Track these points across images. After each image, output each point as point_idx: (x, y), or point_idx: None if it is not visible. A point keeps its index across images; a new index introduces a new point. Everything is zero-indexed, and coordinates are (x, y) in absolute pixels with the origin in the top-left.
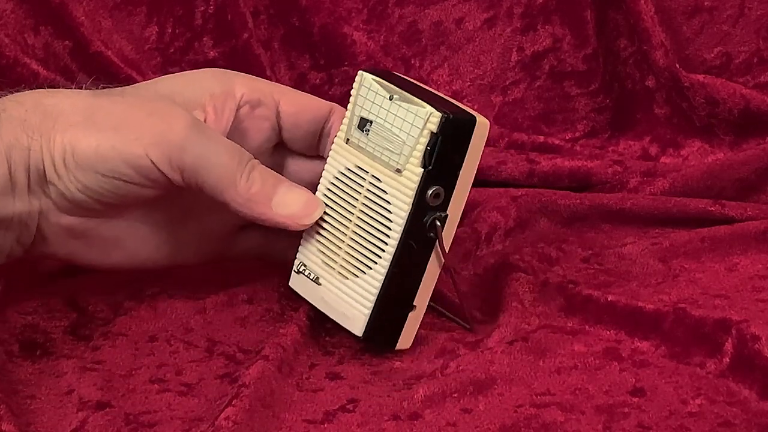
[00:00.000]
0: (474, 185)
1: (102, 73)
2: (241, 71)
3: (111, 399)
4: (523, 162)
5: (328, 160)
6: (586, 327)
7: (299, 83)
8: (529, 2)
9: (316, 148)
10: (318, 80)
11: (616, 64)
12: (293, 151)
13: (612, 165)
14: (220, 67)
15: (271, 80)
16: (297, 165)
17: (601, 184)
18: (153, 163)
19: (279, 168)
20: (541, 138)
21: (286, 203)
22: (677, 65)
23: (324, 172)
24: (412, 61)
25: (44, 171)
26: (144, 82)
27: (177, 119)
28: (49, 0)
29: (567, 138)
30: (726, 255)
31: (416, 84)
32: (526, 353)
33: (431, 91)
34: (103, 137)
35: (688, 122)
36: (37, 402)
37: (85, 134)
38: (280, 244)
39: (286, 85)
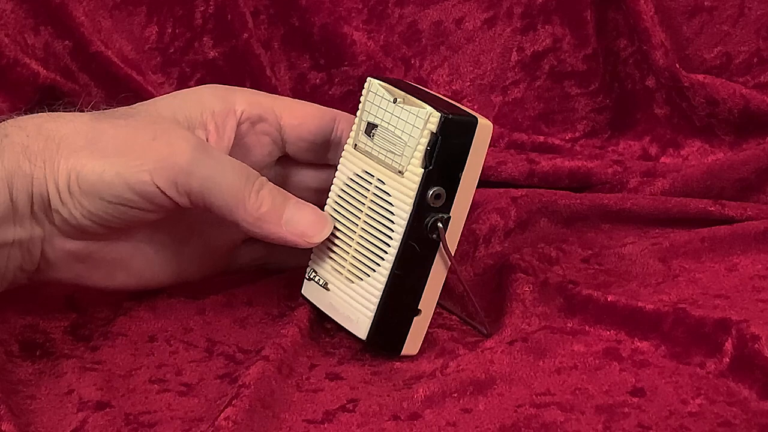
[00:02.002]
0: None
1: (102, 73)
2: (241, 71)
3: (111, 399)
4: (523, 162)
5: (338, 167)
6: (586, 327)
7: (299, 83)
8: (529, 2)
9: (322, 157)
10: (318, 80)
11: (616, 64)
12: (298, 162)
13: (612, 165)
14: (219, 68)
15: (270, 80)
16: (303, 175)
17: (601, 184)
18: (159, 188)
19: (284, 179)
20: (541, 138)
21: (296, 221)
22: (677, 65)
23: (335, 179)
24: (412, 61)
25: (48, 198)
26: (144, 102)
27: (181, 142)
28: (49, 0)
29: (567, 138)
30: (726, 255)
31: (425, 90)
32: (526, 353)
33: (439, 97)
34: (108, 163)
35: (688, 122)
36: (37, 402)
37: (89, 160)
38: (282, 255)
39: (286, 85)
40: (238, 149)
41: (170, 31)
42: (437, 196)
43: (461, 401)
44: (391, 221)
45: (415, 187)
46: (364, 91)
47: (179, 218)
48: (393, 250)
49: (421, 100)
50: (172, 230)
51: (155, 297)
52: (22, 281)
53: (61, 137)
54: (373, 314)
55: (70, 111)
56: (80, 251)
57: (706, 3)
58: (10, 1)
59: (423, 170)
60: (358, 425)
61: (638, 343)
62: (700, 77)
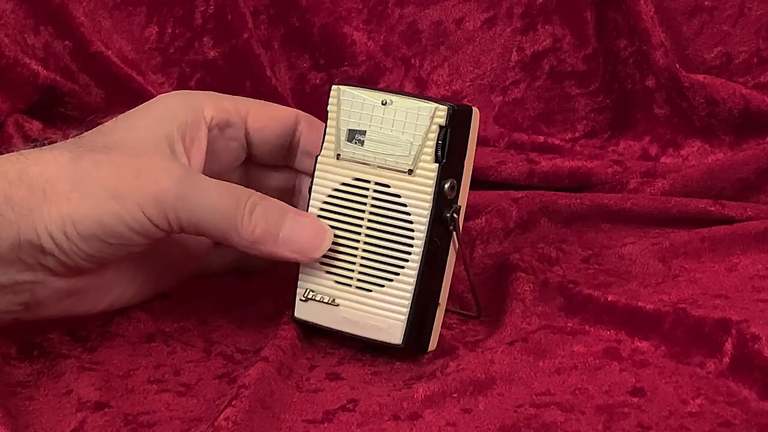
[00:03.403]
0: (474, 187)
1: (102, 73)
2: (241, 71)
3: (109, 399)
4: (523, 162)
5: (314, 180)
6: (586, 327)
7: (299, 83)
8: (529, 2)
9: (284, 158)
10: (318, 80)
11: (616, 64)
12: (260, 164)
13: (612, 165)
14: (219, 68)
15: (270, 80)
16: (265, 177)
17: (601, 184)
18: (154, 224)
19: (248, 181)
20: (541, 138)
21: (294, 239)
22: (677, 65)
23: (312, 193)
24: (412, 61)
25: (41, 244)
26: (119, 124)
27: (165, 177)
28: (49, 0)
29: (567, 138)
30: (726, 255)
31: (392, 89)
32: (526, 353)
33: (410, 93)
34: (102, 207)
35: (688, 122)
36: (35, 403)
37: (82, 205)
38: (258, 257)
39: (286, 85)
40: (208, 156)
41: (170, 31)
42: (452, 188)
43: (461, 401)
44: (409, 221)
45: (432, 183)
46: (332, 100)
47: None
48: (418, 250)
49: (407, 97)
50: (151, 247)
51: (152, 297)
52: (6, 321)
53: (46, 182)
54: (407, 317)
55: (49, 138)
56: (70, 288)
57: (706, 3)
58: (10, 1)
59: (437, 165)
60: (358, 425)
61: (638, 343)
62: (700, 77)
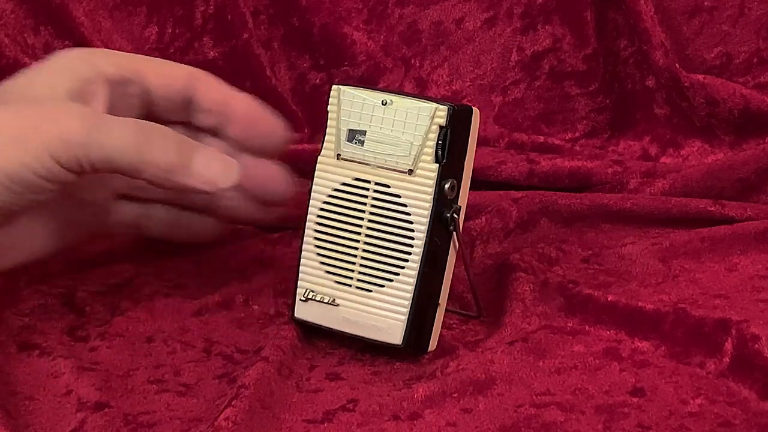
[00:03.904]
0: (474, 187)
1: None
2: (241, 71)
3: (109, 399)
4: (523, 162)
5: (314, 180)
6: (586, 327)
7: (299, 83)
8: (529, 2)
9: (183, 115)
10: (318, 80)
11: (616, 64)
12: (166, 121)
13: (612, 165)
14: (220, 68)
15: (270, 80)
16: None
17: (601, 184)
18: (64, 167)
19: None
20: (541, 138)
21: (204, 171)
22: (677, 65)
23: (312, 193)
24: (412, 61)
25: None
26: (16, 82)
27: (71, 118)
28: (49, 0)
29: (567, 138)
30: (726, 255)
31: (392, 89)
32: (526, 353)
33: (410, 93)
34: (8, 154)
35: (688, 122)
36: (35, 403)
37: None
38: (159, 215)
39: (286, 85)
40: (108, 112)
41: (170, 31)
42: (452, 188)
43: (461, 401)
44: (409, 221)
45: (432, 183)
46: (332, 100)
47: None
48: (418, 250)
49: (407, 97)
50: (56, 197)
51: (152, 298)
52: None
53: None
54: (407, 317)
55: None
56: None
57: (706, 3)
58: (10, 1)
59: (438, 165)
60: (358, 425)
61: (638, 343)
62: (700, 77)
